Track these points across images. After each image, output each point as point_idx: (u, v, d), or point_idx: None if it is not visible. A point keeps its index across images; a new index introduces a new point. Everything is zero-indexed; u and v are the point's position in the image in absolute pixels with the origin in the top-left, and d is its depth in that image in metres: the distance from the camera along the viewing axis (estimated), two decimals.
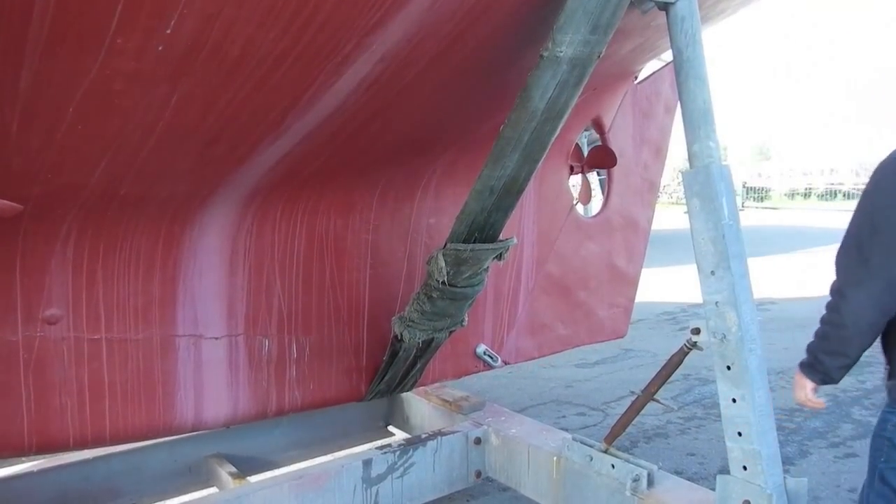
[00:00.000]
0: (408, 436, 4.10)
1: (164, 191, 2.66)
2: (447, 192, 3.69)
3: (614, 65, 3.57)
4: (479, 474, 3.71)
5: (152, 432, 3.00)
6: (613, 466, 3.01)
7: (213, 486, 3.68)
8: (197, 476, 3.75)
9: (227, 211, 2.98)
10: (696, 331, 2.67)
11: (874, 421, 2.56)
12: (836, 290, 2.32)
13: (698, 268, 2.68)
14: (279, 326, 3.25)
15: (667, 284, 12.28)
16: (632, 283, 4.97)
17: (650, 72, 4.89)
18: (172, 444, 3.68)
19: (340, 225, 3.36)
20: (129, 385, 2.87)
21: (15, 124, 2.00)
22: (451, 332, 3.38)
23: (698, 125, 2.64)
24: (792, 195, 47.66)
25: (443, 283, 2.99)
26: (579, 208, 4.80)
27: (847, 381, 6.64)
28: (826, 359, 2.38)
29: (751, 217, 30.83)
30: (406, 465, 3.40)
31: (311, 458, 4.07)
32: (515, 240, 3.09)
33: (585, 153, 4.64)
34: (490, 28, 2.47)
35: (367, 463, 3.27)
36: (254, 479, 3.47)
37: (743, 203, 36.60)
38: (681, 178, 2.78)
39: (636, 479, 2.90)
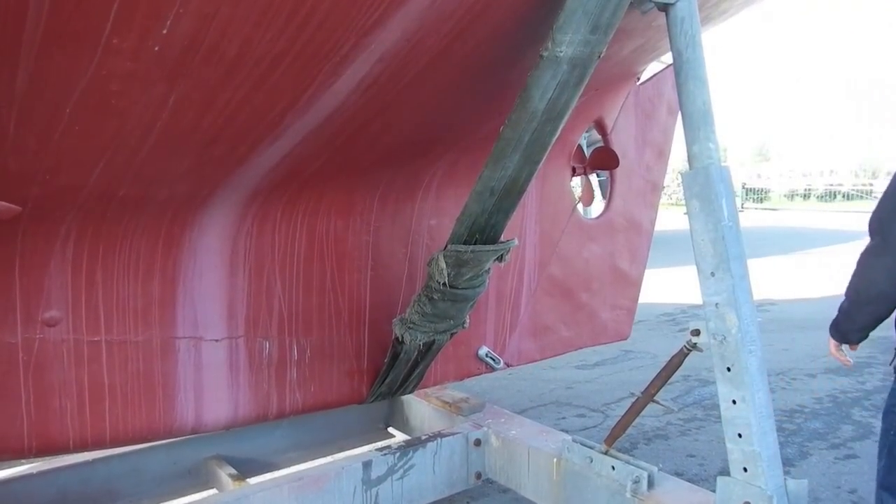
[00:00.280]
0: (408, 437, 4.09)
1: (163, 192, 2.65)
2: (448, 193, 3.68)
3: (616, 65, 3.57)
4: (479, 476, 3.71)
5: (152, 435, 2.99)
6: (613, 468, 3.00)
7: (212, 487, 3.67)
8: (196, 478, 3.74)
9: (226, 212, 2.98)
10: (696, 332, 2.67)
11: (874, 422, 2.58)
12: (858, 259, 2.44)
13: (698, 269, 2.67)
14: (280, 328, 3.24)
15: (666, 286, 12.28)
16: (635, 284, 4.96)
17: (652, 73, 4.88)
18: (172, 446, 3.67)
19: (341, 226, 3.35)
20: (129, 387, 2.86)
21: (12, 125, 1.99)
22: (452, 334, 3.38)
23: (698, 126, 2.64)
24: (791, 196, 47.67)
25: (444, 284, 2.98)
26: (581, 210, 4.79)
27: (847, 381, 6.66)
28: (845, 322, 2.51)
29: (750, 218, 30.85)
30: (406, 466, 3.39)
31: (310, 460, 4.07)
32: (517, 241, 3.08)
33: (587, 154, 4.64)
34: (490, 27, 2.46)
35: (367, 465, 3.26)
36: (253, 480, 3.47)
37: (742, 204, 36.60)
38: (680, 180, 2.78)
39: (636, 481, 2.89)
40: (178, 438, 3.52)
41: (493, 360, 4.07)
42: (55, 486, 3.35)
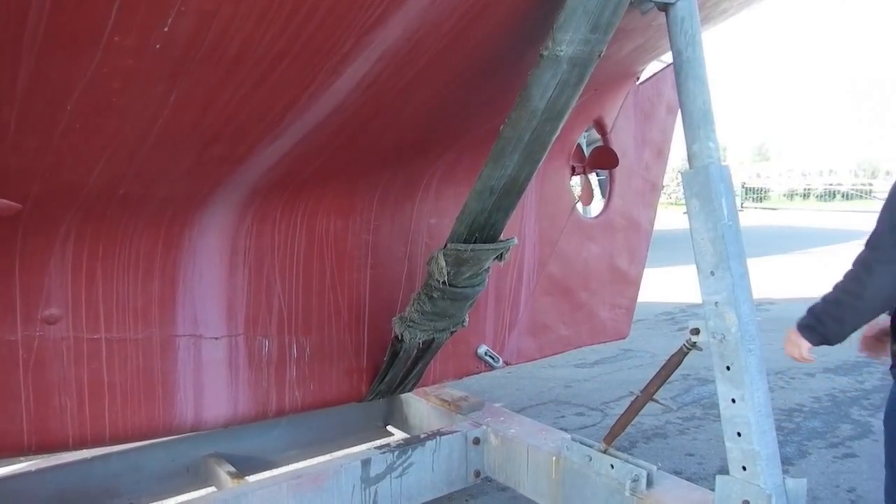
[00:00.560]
0: (406, 436, 4.10)
1: (163, 190, 2.65)
2: (448, 192, 3.69)
3: (615, 65, 3.57)
4: (478, 474, 3.71)
5: (152, 432, 2.99)
6: (612, 466, 3.01)
7: (211, 485, 3.67)
8: (195, 476, 3.75)
9: (226, 211, 2.98)
10: (696, 331, 2.67)
11: (873, 421, 2.58)
12: (862, 261, 2.36)
13: (697, 268, 2.68)
14: (279, 327, 3.24)
15: (666, 285, 12.29)
16: (633, 283, 4.97)
17: (652, 72, 4.88)
18: (171, 444, 3.68)
19: (341, 225, 3.35)
20: (129, 385, 2.86)
21: (12, 123, 1.99)
22: (451, 333, 3.38)
23: (698, 126, 2.64)
24: (791, 196, 47.69)
25: (443, 283, 2.99)
26: (580, 209, 4.79)
27: (846, 381, 6.66)
28: (832, 324, 2.43)
29: (750, 217, 30.85)
30: (405, 464, 3.40)
31: (309, 458, 4.07)
32: (516, 240, 3.08)
33: (587, 153, 4.64)
34: (490, 26, 2.46)
35: (366, 463, 3.27)
36: (252, 478, 3.47)
37: (742, 203, 36.60)
38: (680, 179, 2.78)
39: (635, 480, 2.89)
40: (178, 436, 3.52)
41: (493, 358, 4.08)
42: (54, 484, 3.35)
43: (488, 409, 4.02)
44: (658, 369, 2.97)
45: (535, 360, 4.56)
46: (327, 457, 4.02)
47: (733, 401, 2.56)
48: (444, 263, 2.92)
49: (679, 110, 2.75)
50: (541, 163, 2.72)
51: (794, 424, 5.56)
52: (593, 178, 6.14)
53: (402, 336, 3.26)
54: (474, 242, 2.90)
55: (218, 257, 3.03)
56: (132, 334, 2.86)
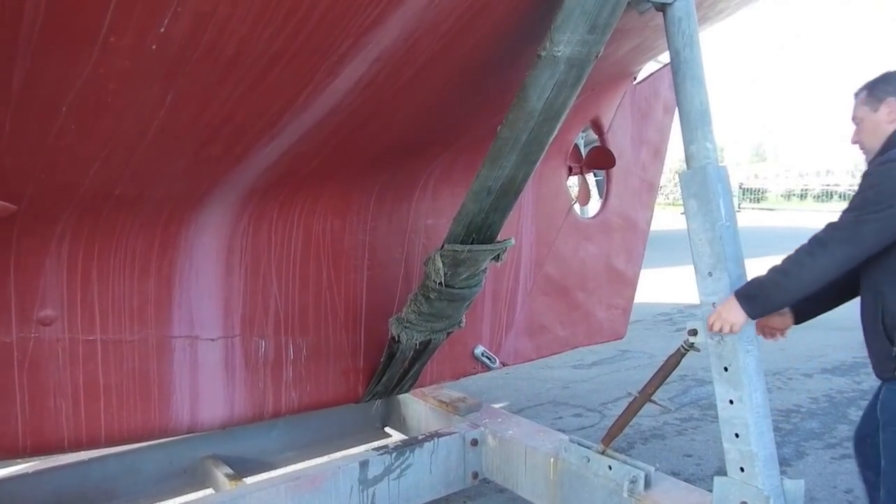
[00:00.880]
0: (404, 437, 4.09)
1: (159, 191, 2.64)
2: (445, 192, 3.68)
3: (613, 65, 3.57)
4: (475, 476, 3.71)
5: (148, 434, 2.98)
6: (610, 468, 3.00)
7: (209, 487, 3.66)
8: (193, 477, 3.74)
9: (223, 211, 2.97)
10: (694, 332, 2.67)
11: None
12: (818, 238, 2.37)
13: (695, 269, 2.68)
14: (276, 327, 3.23)
15: (663, 285, 12.29)
16: (630, 284, 4.97)
17: (649, 72, 4.89)
18: (168, 446, 3.66)
19: (337, 226, 3.34)
20: (125, 386, 2.85)
21: (8, 123, 1.98)
22: (448, 334, 3.38)
23: (695, 126, 2.64)
24: (788, 196, 47.71)
25: (440, 284, 2.98)
26: (577, 209, 4.79)
27: (843, 382, 6.67)
28: (777, 293, 2.42)
29: (747, 218, 30.87)
30: (403, 466, 3.39)
31: (307, 460, 4.06)
32: (513, 241, 3.08)
33: (584, 154, 4.64)
34: (487, 27, 2.46)
35: (364, 464, 3.26)
36: (250, 480, 3.46)
37: (739, 204, 36.63)
38: (678, 179, 2.78)
39: (633, 481, 2.89)
40: (175, 438, 3.51)
41: (490, 359, 4.07)
42: (50, 486, 3.34)
43: (486, 411, 4.02)
44: (656, 370, 2.97)
45: (532, 360, 4.55)
46: (325, 458, 4.01)
47: (731, 402, 2.56)
48: (441, 264, 2.92)
49: (676, 110, 2.75)
50: (538, 163, 2.72)
51: (791, 425, 5.56)
52: (590, 178, 6.14)
53: (398, 337, 3.26)
54: (471, 243, 2.89)
55: (214, 257, 3.03)
56: (128, 335, 2.85)
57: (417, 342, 3.27)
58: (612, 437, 3.08)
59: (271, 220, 3.14)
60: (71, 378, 2.73)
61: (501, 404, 5.99)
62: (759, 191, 47.29)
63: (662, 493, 2.89)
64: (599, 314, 4.76)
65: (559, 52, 2.34)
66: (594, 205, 5.95)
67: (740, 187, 42.04)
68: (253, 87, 2.18)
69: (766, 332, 2.85)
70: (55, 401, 2.70)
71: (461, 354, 3.99)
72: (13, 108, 1.94)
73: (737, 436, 2.55)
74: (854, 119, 2.59)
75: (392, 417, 4.56)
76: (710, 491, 2.70)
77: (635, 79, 4.64)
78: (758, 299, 2.46)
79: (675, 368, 2.90)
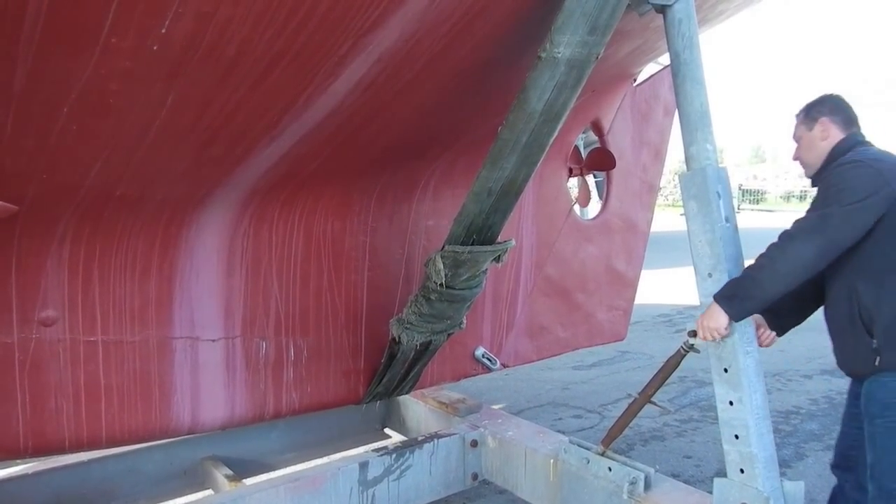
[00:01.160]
0: (404, 438, 4.09)
1: (160, 191, 2.65)
2: (445, 193, 3.69)
3: (613, 67, 3.57)
4: (475, 477, 3.70)
5: (149, 435, 2.99)
6: (610, 469, 3.00)
7: (208, 488, 3.66)
8: (193, 478, 3.73)
9: (224, 212, 2.97)
10: (693, 333, 2.67)
11: None
12: (787, 233, 2.46)
13: (695, 270, 2.68)
14: (276, 328, 3.24)
15: (663, 286, 12.29)
16: (631, 285, 4.97)
17: (649, 74, 4.89)
18: (168, 447, 3.66)
19: (338, 227, 3.35)
20: (126, 387, 2.85)
21: (9, 124, 1.99)
22: (449, 335, 3.38)
23: (695, 128, 2.65)
24: (787, 197, 47.71)
25: (441, 285, 2.98)
26: (578, 210, 4.79)
27: (842, 383, 6.63)
28: (753, 290, 2.46)
29: (747, 219, 30.88)
30: (402, 467, 3.39)
31: (307, 461, 4.06)
32: (514, 242, 3.08)
33: (584, 155, 4.64)
34: (488, 28, 2.46)
35: (364, 465, 3.26)
36: (249, 481, 3.46)
37: (739, 206, 36.62)
38: (678, 181, 2.78)
39: (633, 482, 2.89)
40: (175, 439, 3.51)
41: (490, 360, 4.07)
42: (51, 487, 3.34)
43: (486, 412, 4.02)
44: (656, 371, 2.97)
45: (533, 362, 4.56)
46: (325, 459, 4.01)
47: (731, 403, 2.56)
48: (441, 265, 2.92)
49: (676, 112, 2.76)
50: (538, 164, 2.72)
51: (791, 427, 5.56)
52: (590, 179, 6.15)
53: (399, 338, 3.26)
54: (472, 244, 2.90)
55: (215, 258, 3.03)
56: (129, 336, 2.85)
57: (418, 343, 3.27)
58: (612, 439, 3.08)
59: (272, 221, 3.14)
60: (72, 379, 2.73)
61: (501, 405, 5.99)
62: (758, 192, 47.29)
63: (662, 494, 2.89)
64: (600, 315, 4.77)
65: (559, 53, 2.35)
66: (594, 206, 5.95)
67: (740, 188, 42.01)
68: (254, 88, 2.18)
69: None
70: (56, 401, 2.71)
71: (462, 356, 3.99)
72: (14, 109, 1.95)
73: (737, 437, 2.55)
74: (794, 137, 2.81)
75: (392, 418, 4.56)
76: (710, 492, 2.70)
77: (635, 80, 4.65)
78: (736, 298, 2.49)
79: (674, 370, 2.90)
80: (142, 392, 2.89)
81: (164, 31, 1.81)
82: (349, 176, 3.21)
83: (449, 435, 3.63)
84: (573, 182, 4.92)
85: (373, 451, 3.46)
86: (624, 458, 3.03)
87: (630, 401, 3.05)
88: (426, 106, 2.86)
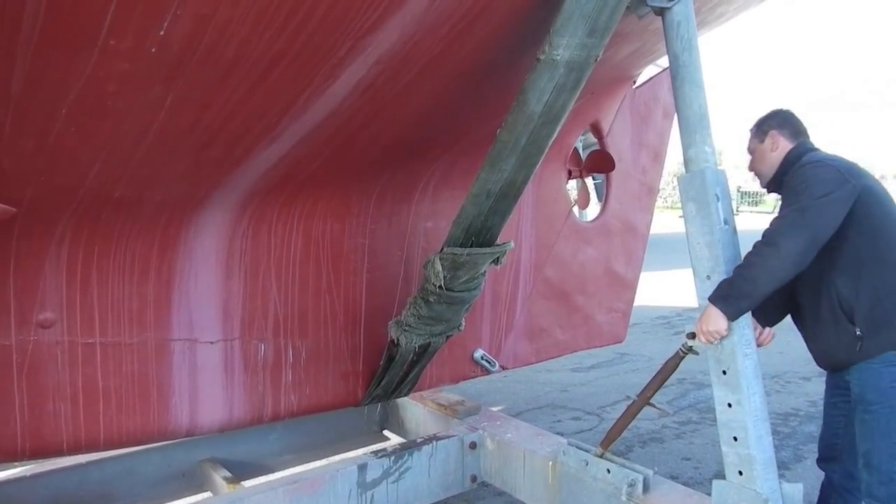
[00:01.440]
0: (403, 440, 4.09)
1: (159, 193, 2.64)
2: (444, 195, 3.68)
3: (612, 69, 3.57)
4: (474, 479, 3.70)
5: (147, 437, 2.98)
6: (609, 471, 3.00)
7: (207, 490, 3.66)
8: (191, 481, 3.73)
9: (222, 214, 2.97)
10: (692, 335, 2.67)
11: None
12: (775, 229, 2.52)
13: (694, 272, 2.68)
14: (275, 330, 3.23)
15: (662, 288, 12.28)
16: (630, 287, 4.97)
17: (648, 76, 4.89)
18: (166, 449, 3.66)
19: (337, 228, 3.34)
20: (124, 389, 2.85)
21: (7, 126, 1.98)
22: (448, 337, 3.37)
23: (694, 130, 2.65)
24: None
25: (440, 287, 2.98)
26: (577, 212, 4.79)
27: None
28: (746, 286, 2.50)
29: (745, 221, 30.87)
30: (401, 469, 3.39)
31: (305, 463, 4.06)
32: (513, 244, 3.08)
33: (583, 157, 4.64)
34: (487, 30, 2.46)
35: (363, 467, 3.26)
36: (248, 483, 3.45)
37: (737, 207, 36.58)
38: (677, 183, 2.79)
39: (632, 484, 2.89)
40: (173, 441, 3.50)
41: (489, 362, 4.07)
42: (49, 489, 3.33)
43: (485, 414, 4.02)
44: (654, 373, 2.97)
45: (532, 364, 4.55)
46: (323, 461, 4.01)
47: (729, 405, 2.56)
48: (440, 267, 2.92)
49: (675, 114, 2.76)
50: (537, 166, 2.72)
51: (790, 429, 5.56)
52: (590, 181, 6.15)
53: (398, 340, 3.25)
54: (471, 246, 2.90)
55: (214, 260, 3.02)
56: (127, 338, 2.84)
57: (417, 345, 3.26)
58: (611, 441, 3.08)
59: (271, 223, 3.13)
60: (70, 381, 2.72)
61: (500, 407, 5.98)
62: (757, 194, 47.20)
63: (661, 496, 2.89)
64: (599, 318, 4.76)
65: (558, 55, 2.35)
66: (594, 208, 5.95)
67: (738, 190, 41.97)
68: (252, 89, 2.18)
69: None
70: (54, 404, 2.70)
71: (460, 358, 3.99)
72: (13, 111, 1.94)
73: (735, 439, 2.55)
74: (748, 150, 3.01)
75: (390, 421, 4.56)
76: (709, 494, 2.70)
77: (635, 83, 4.65)
78: (731, 298, 2.51)
79: (673, 372, 2.90)
80: (140, 394, 2.89)
81: (162, 32, 1.81)
82: (348, 177, 3.21)
83: (448, 437, 3.63)
84: (572, 184, 4.92)
85: (371, 453, 3.46)
86: (623, 460, 3.03)
87: (629, 403, 3.05)
88: (425, 108, 2.86)
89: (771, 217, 2.72)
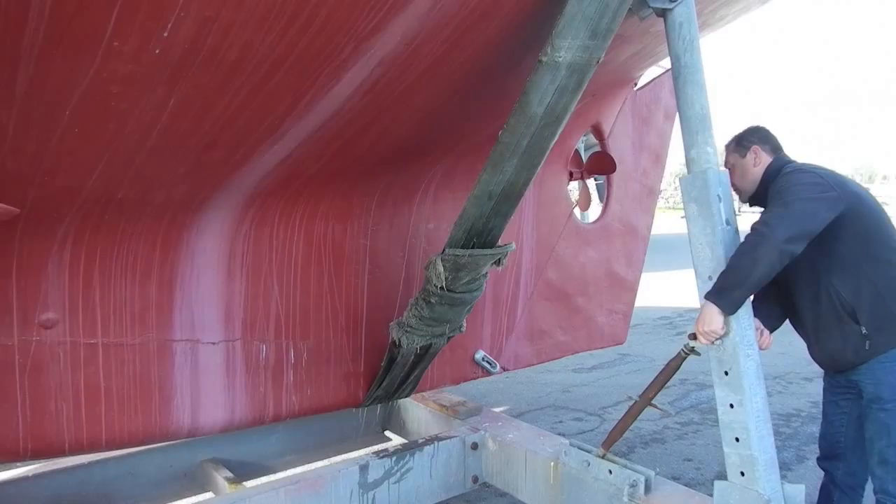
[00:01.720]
0: (405, 441, 4.09)
1: (161, 194, 2.65)
2: (446, 197, 3.69)
3: (613, 71, 3.58)
4: (476, 479, 3.70)
5: (149, 438, 2.98)
6: (611, 472, 3.00)
7: (209, 491, 3.66)
8: (193, 481, 3.73)
9: (224, 215, 2.97)
10: (694, 336, 2.67)
11: None
12: (759, 223, 2.56)
13: (696, 273, 2.68)
14: (277, 331, 3.23)
15: (664, 289, 12.29)
16: (631, 289, 4.97)
17: (650, 78, 4.89)
18: (168, 449, 3.66)
19: (339, 230, 3.35)
20: (126, 390, 2.85)
21: (11, 127, 1.99)
22: (449, 338, 3.38)
23: (696, 131, 2.65)
24: None
25: (441, 288, 2.98)
26: (578, 214, 4.79)
27: None
28: (740, 275, 2.51)
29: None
30: (403, 470, 3.39)
31: (307, 464, 4.06)
32: (514, 245, 3.08)
33: (585, 159, 4.64)
34: (489, 33, 2.47)
35: (364, 468, 3.26)
36: (250, 484, 3.46)
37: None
38: (678, 183, 2.79)
39: (633, 485, 2.89)
40: (175, 441, 3.51)
41: (490, 363, 4.07)
42: (51, 489, 3.34)
43: (486, 414, 4.02)
44: (656, 374, 2.97)
45: (533, 365, 4.55)
46: (325, 462, 4.01)
47: (731, 406, 2.56)
48: (442, 269, 2.92)
49: (677, 115, 2.76)
50: (539, 168, 2.72)
51: (791, 429, 5.56)
52: (591, 183, 6.15)
53: (399, 341, 3.26)
54: (472, 248, 2.90)
55: (216, 261, 3.03)
56: (129, 339, 2.85)
57: (418, 347, 3.27)
58: (613, 442, 3.08)
59: (273, 224, 3.14)
60: (72, 381, 2.73)
61: (502, 408, 5.99)
62: None
63: (663, 497, 2.89)
64: (600, 319, 4.77)
65: (560, 57, 2.35)
66: (595, 210, 5.95)
67: None
68: (255, 91, 2.18)
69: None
70: (56, 404, 2.71)
71: (462, 359, 3.99)
72: (16, 112, 1.95)
73: (737, 440, 2.55)
74: (726, 165, 3.03)
75: (392, 421, 4.56)
76: (711, 495, 2.70)
77: (636, 84, 4.65)
78: (724, 290, 2.53)
79: (675, 372, 2.90)
80: (142, 395, 2.89)
81: (166, 34, 1.82)
82: (350, 179, 3.22)
83: (449, 437, 3.63)
84: (574, 186, 4.92)
85: (373, 453, 3.46)
86: (624, 461, 3.03)
87: (630, 403, 3.05)
88: (427, 109, 2.86)
89: None
